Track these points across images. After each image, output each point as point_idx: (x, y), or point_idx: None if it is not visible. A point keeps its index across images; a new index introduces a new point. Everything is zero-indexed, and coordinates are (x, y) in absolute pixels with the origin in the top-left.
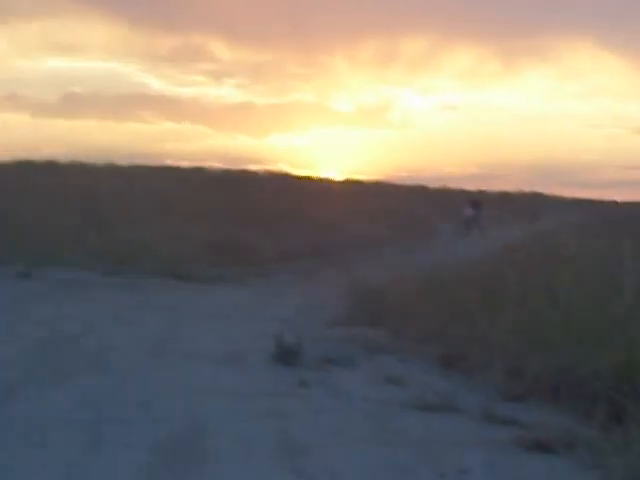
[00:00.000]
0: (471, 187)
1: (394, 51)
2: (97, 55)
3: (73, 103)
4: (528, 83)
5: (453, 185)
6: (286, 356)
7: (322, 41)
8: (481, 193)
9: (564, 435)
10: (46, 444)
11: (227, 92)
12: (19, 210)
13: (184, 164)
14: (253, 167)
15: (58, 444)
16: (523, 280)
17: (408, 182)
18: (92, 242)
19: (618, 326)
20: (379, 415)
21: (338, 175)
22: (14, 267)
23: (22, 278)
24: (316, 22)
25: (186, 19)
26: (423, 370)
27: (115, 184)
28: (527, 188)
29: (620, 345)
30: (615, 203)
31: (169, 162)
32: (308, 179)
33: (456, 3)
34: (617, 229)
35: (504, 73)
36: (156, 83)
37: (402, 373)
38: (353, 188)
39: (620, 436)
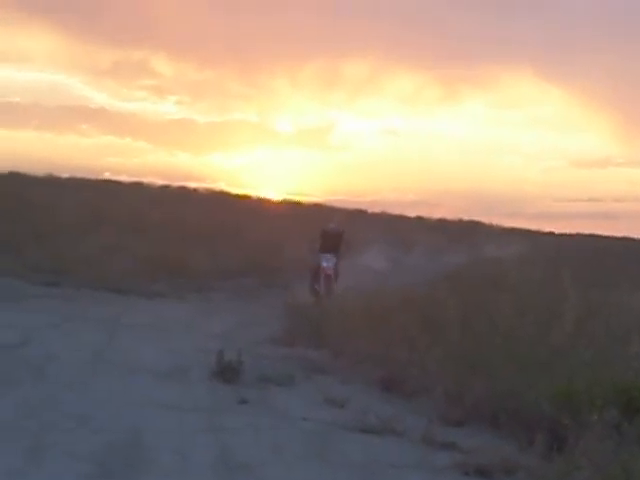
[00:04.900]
0: (410, 213)
1: (336, 74)
2: (38, 66)
3: (12, 113)
4: (468, 110)
5: (392, 210)
6: (226, 373)
7: (264, 62)
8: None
9: (504, 461)
10: None
11: (168, 108)
12: None
13: (124, 178)
14: (192, 184)
15: None
16: (463, 306)
17: (347, 205)
18: (28, 252)
19: (559, 355)
20: (319, 435)
21: (277, 195)
22: None
23: None
24: (259, 42)
25: (129, 34)
26: (363, 392)
27: (54, 195)
28: (465, 216)
29: (561, 374)
30: (552, 234)
31: (109, 176)
32: (246, 198)
33: (398, 29)
34: (555, 260)
35: (445, 100)
36: (97, 96)
37: (342, 394)
38: (291, 209)
39: (561, 463)
